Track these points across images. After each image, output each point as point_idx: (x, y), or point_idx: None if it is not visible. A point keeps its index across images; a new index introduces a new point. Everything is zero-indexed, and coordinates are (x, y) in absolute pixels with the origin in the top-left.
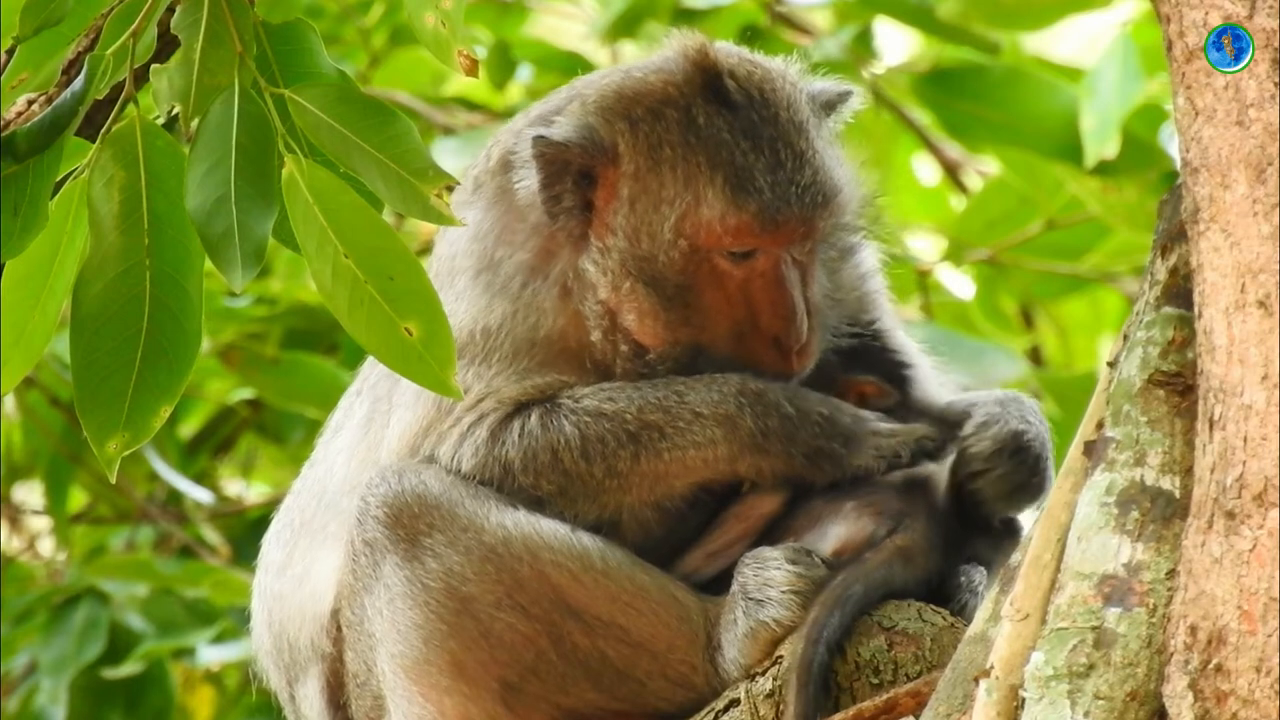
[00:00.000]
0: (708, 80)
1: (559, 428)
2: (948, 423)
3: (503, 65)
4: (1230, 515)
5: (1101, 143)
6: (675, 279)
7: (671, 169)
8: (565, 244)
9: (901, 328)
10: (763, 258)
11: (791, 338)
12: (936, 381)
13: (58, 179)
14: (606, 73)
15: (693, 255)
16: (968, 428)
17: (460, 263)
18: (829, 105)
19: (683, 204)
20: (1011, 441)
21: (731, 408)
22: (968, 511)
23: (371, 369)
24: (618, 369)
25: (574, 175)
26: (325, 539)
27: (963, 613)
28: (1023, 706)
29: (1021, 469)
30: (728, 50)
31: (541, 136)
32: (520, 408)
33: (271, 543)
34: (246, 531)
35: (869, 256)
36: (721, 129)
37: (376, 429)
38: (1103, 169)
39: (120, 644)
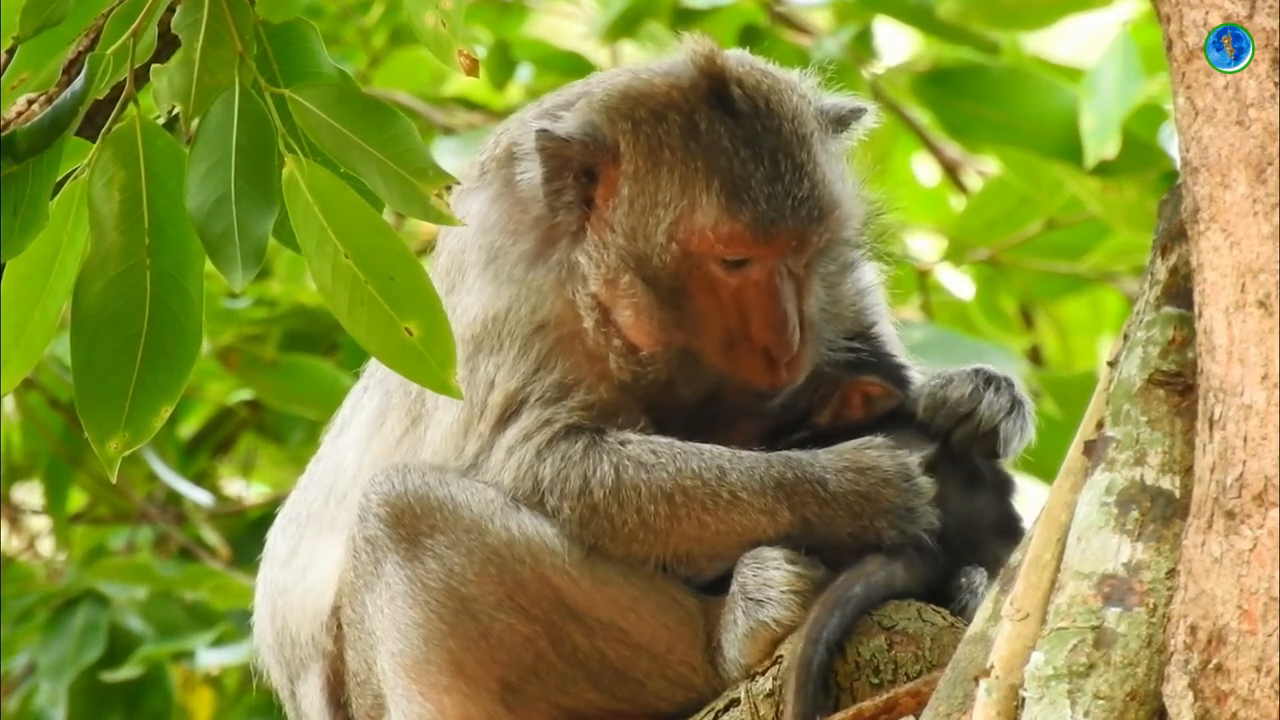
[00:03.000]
0: (713, 86)
1: (597, 461)
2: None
3: (503, 65)
4: (1230, 515)
5: (1101, 143)
6: (669, 281)
7: (670, 172)
8: (564, 236)
9: (898, 341)
10: (757, 267)
11: (781, 349)
12: None
13: (58, 179)
14: (617, 72)
15: (685, 260)
16: (929, 388)
17: (470, 257)
18: (841, 121)
19: (678, 208)
20: (978, 376)
21: (770, 500)
22: (963, 463)
23: (379, 364)
24: (613, 365)
25: (575, 171)
26: (332, 532)
27: (963, 613)
28: (1023, 706)
29: (1002, 393)
30: (739, 58)
31: (545, 130)
32: (570, 431)
33: (277, 535)
34: (246, 532)
35: (869, 272)
36: (722, 136)
37: (392, 422)
38: (1103, 169)
39: (120, 646)
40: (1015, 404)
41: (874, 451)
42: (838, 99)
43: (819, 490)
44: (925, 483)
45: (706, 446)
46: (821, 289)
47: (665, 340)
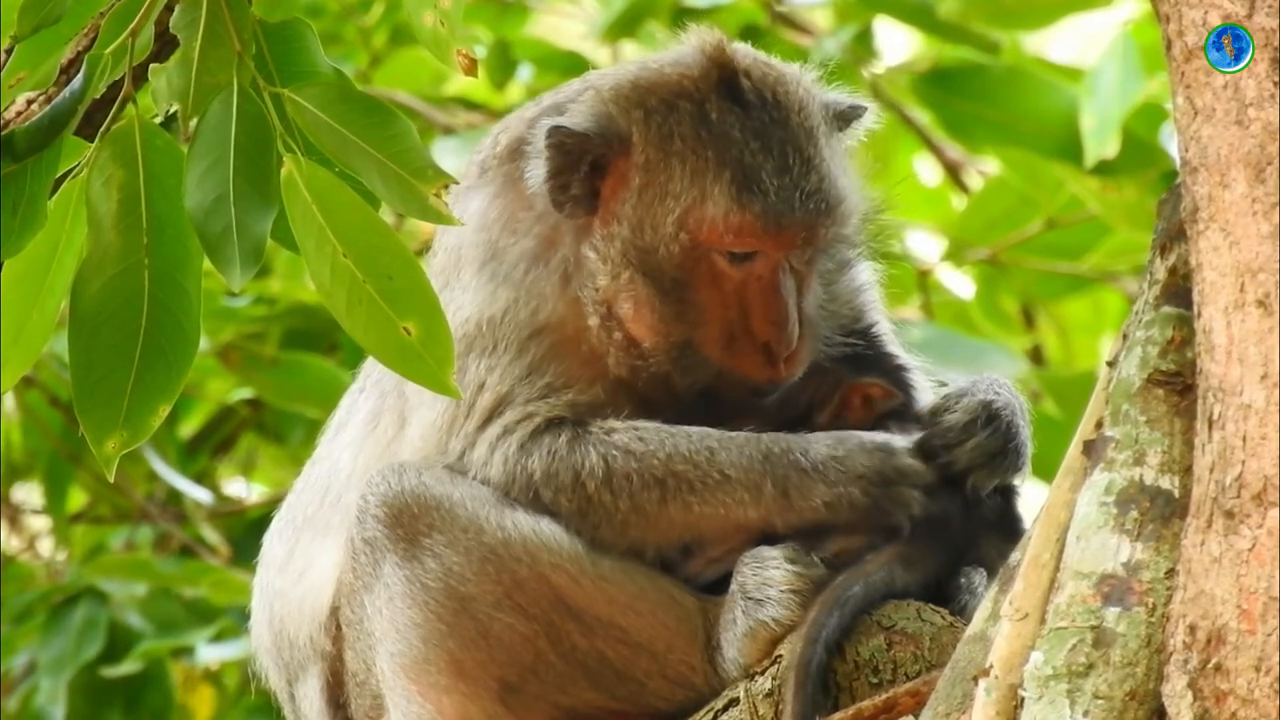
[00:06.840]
0: (724, 76)
1: (584, 454)
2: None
3: (503, 65)
4: (1229, 515)
5: (1101, 142)
6: (673, 273)
7: (680, 162)
8: (568, 232)
9: (896, 340)
10: (761, 262)
11: (781, 345)
12: (929, 389)
13: (56, 178)
14: (622, 66)
15: (693, 251)
16: (933, 405)
17: (466, 254)
18: (842, 117)
19: (688, 199)
20: (981, 410)
21: (756, 475)
22: (961, 493)
23: (375, 365)
24: (611, 360)
25: (586, 164)
26: (328, 534)
27: (962, 613)
28: (1022, 706)
29: (995, 436)
30: (744, 51)
31: (559, 126)
32: (551, 425)
33: (273, 539)
34: (246, 531)
35: (865, 271)
36: (733, 126)
37: (385, 424)
38: (1103, 169)
39: (119, 643)
40: (1004, 450)
41: (861, 432)
42: (839, 96)
43: (801, 459)
44: (908, 461)
45: (694, 428)
46: (820, 287)
47: (666, 333)
